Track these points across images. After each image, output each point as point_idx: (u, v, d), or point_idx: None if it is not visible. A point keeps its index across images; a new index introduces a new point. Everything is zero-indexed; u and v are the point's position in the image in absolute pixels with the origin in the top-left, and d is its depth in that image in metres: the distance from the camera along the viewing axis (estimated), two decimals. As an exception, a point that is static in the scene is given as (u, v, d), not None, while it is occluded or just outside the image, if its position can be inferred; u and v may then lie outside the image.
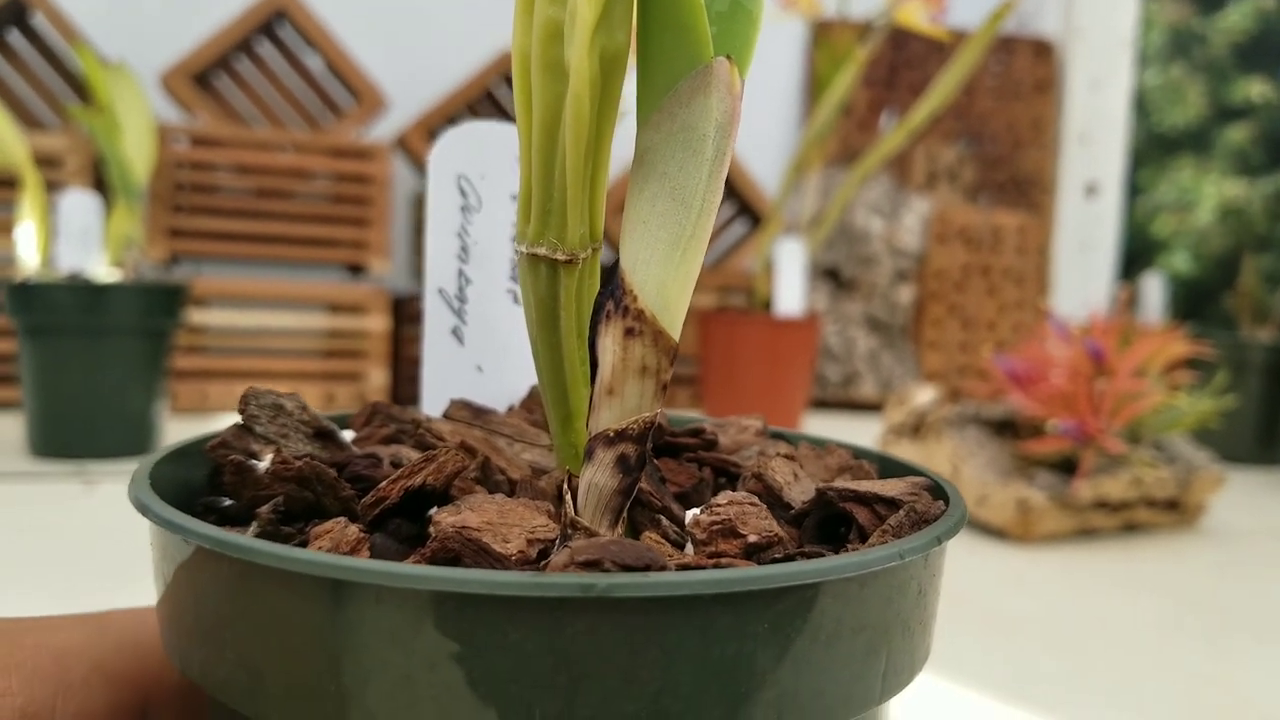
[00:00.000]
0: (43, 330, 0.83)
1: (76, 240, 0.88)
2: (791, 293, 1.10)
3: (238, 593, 0.18)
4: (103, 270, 0.89)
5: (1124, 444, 0.76)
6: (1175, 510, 0.80)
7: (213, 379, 1.09)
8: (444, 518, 0.20)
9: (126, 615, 0.26)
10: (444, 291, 0.31)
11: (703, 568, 0.20)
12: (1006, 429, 0.80)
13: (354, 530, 0.20)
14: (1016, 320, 1.41)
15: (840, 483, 0.24)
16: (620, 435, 0.21)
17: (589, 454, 0.21)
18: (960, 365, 1.40)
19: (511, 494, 0.24)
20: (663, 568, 0.18)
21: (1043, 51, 1.58)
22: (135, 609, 0.26)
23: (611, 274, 0.21)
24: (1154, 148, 4.14)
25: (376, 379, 1.14)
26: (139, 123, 0.92)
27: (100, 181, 1.06)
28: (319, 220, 1.15)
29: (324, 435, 0.26)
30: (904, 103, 1.50)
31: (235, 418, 0.27)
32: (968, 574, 0.67)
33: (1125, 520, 0.78)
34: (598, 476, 0.21)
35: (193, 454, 0.26)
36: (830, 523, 0.24)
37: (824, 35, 1.33)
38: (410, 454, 0.25)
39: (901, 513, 0.23)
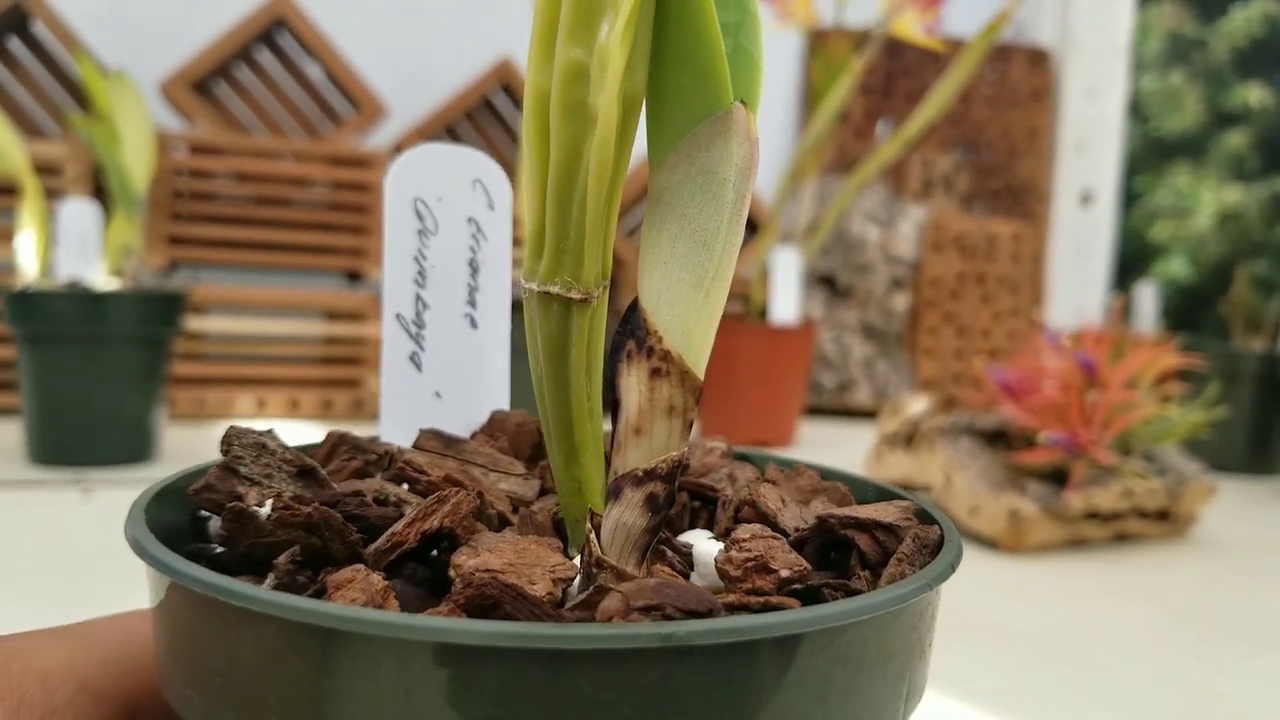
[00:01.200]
0: (42, 338, 0.83)
1: (75, 248, 0.88)
2: (787, 301, 1.11)
3: (277, 656, 0.17)
4: (101, 278, 0.89)
5: (1115, 455, 0.76)
6: (1166, 521, 0.81)
7: (211, 386, 1.10)
8: (465, 561, 0.20)
9: (110, 627, 0.25)
10: (401, 317, 0.30)
11: (749, 608, 0.20)
12: (999, 439, 0.81)
13: (378, 579, 0.19)
14: (1011, 328, 1.42)
15: (840, 511, 0.24)
16: (649, 474, 0.21)
17: (615, 493, 0.21)
18: (955, 373, 1.40)
19: (499, 529, 0.24)
20: (719, 610, 0.18)
21: (1038, 60, 1.59)
22: (118, 618, 0.26)
23: (630, 313, 0.21)
24: (1151, 153, 4.15)
25: (374, 386, 1.14)
26: (138, 131, 0.92)
27: (100, 189, 1.07)
28: (317, 228, 1.16)
29: (306, 474, 0.25)
30: (900, 111, 1.51)
31: (234, 423, 0.26)
32: (959, 585, 0.67)
33: (1116, 531, 0.79)
34: (626, 515, 0.21)
35: (172, 494, 0.25)
36: (824, 548, 0.25)
37: (820, 44, 1.33)
38: (393, 490, 0.25)
39: (910, 541, 0.23)
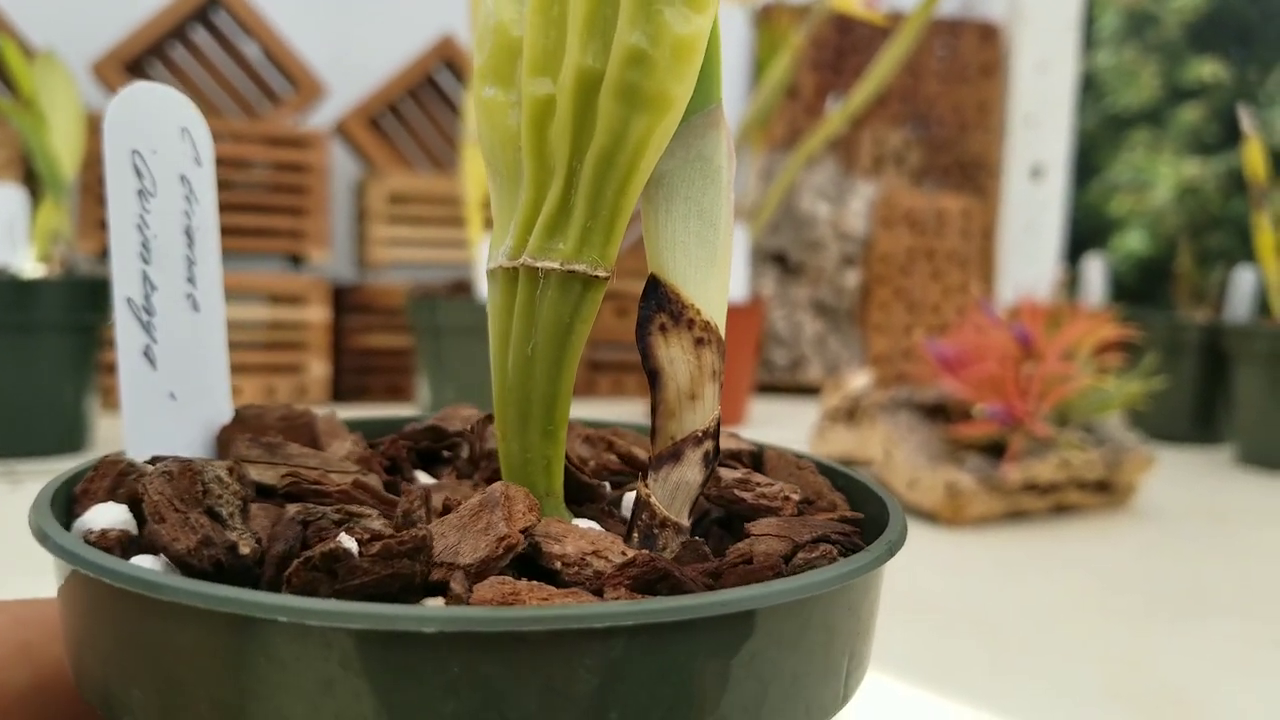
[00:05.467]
0: (-33, 326, 0.81)
1: (2, 235, 0.86)
2: (734, 278, 1.10)
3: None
4: (29, 265, 0.87)
5: (1052, 427, 0.76)
6: (1106, 491, 0.81)
7: (150, 372, 1.08)
8: (563, 549, 0.20)
9: None
10: (132, 302, 0.25)
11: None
12: (939, 413, 0.81)
13: (543, 584, 0.19)
14: (961, 303, 1.42)
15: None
16: (706, 434, 0.23)
17: (676, 455, 0.23)
18: (906, 348, 1.40)
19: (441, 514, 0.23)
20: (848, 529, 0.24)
21: (989, 35, 1.59)
22: None
23: (653, 288, 0.23)
24: (1108, 128, 4.18)
25: (317, 370, 1.13)
26: (68, 114, 0.90)
27: (31, 174, 1.05)
28: (257, 210, 1.14)
29: (248, 501, 0.23)
30: (850, 86, 1.50)
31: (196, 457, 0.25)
32: (895, 557, 0.67)
33: (1056, 502, 0.79)
34: (688, 474, 0.23)
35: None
36: None
37: (765, 19, 1.32)
38: (318, 508, 0.22)
39: (795, 455, 0.28)
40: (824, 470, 0.28)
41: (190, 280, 0.27)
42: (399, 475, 0.27)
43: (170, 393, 0.26)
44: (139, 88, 0.25)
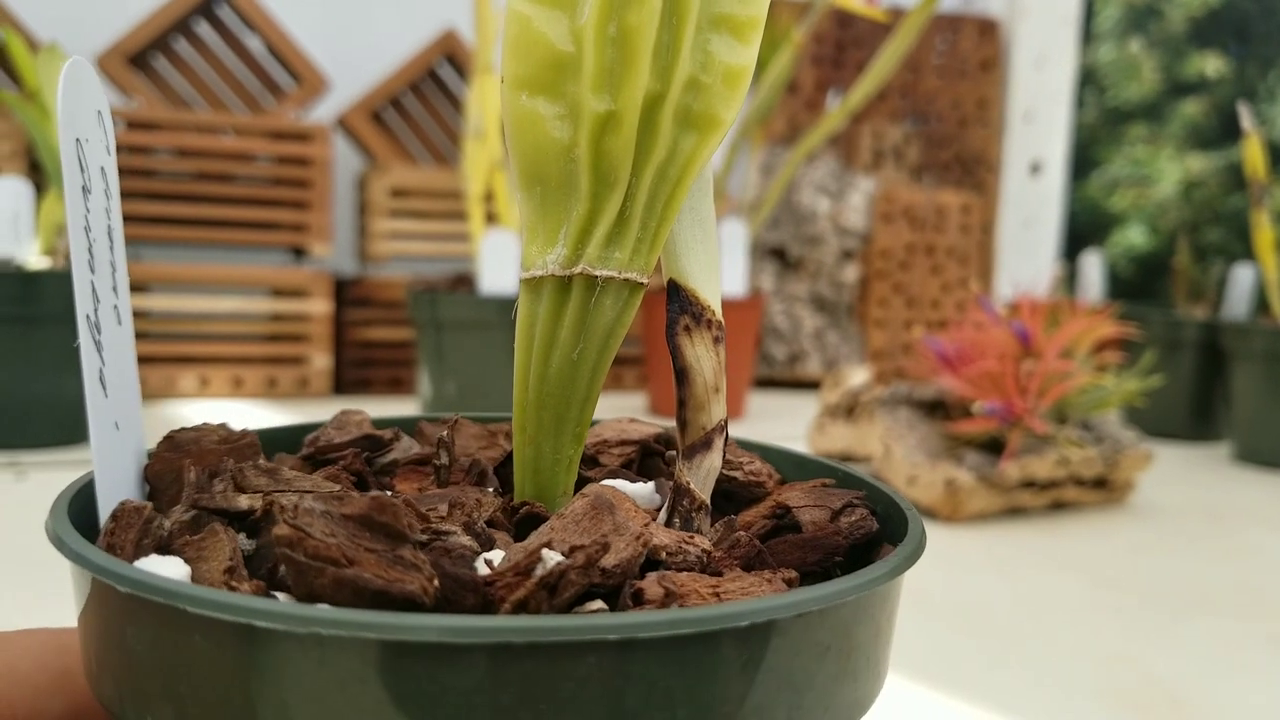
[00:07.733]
0: (-29, 319, 0.82)
1: (7, 227, 0.87)
2: (733, 273, 1.11)
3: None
4: (34, 257, 0.88)
5: (1050, 424, 0.77)
6: (1104, 488, 0.82)
7: (153, 365, 1.08)
8: (669, 542, 0.22)
9: None
10: (89, 319, 0.22)
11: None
12: (938, 410, 0.81)
13: (707, 576, 0.21)
14: (960, 299, 1.43)
15: (633, 434, 0.31)
16: (725, 423, 0.25)
17: (707, 444, 0.24)
18: (905, 344, 1.41)
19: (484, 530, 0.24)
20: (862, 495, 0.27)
21: (988, 30, 1.59)
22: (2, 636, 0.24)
23: (675, 292, 0.24)
24: (1109, 122, 4.17)
25: (319, 363, 1.13)
26: (70, 107, 0.90)
27: (36, 166, 1.05)
28: (260, 203, 1.14)
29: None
30: (850, 82, 1.50)
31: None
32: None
33: (1054, 499, 0.79)
34: (715, 460, 0.25)
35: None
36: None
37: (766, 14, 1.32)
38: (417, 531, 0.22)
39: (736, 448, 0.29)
40: (743, 445, 0.30)
41: (114, 289, 0.23)
42: (366, 490, 0.26)
43: (115, 421, 0.23)
44: (76, 64, 0.22)
